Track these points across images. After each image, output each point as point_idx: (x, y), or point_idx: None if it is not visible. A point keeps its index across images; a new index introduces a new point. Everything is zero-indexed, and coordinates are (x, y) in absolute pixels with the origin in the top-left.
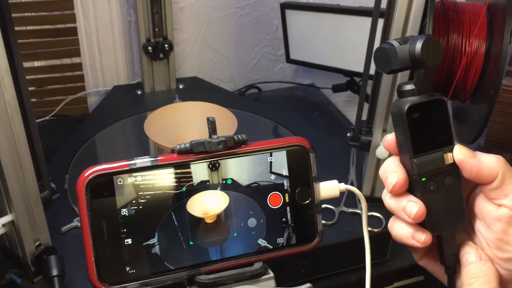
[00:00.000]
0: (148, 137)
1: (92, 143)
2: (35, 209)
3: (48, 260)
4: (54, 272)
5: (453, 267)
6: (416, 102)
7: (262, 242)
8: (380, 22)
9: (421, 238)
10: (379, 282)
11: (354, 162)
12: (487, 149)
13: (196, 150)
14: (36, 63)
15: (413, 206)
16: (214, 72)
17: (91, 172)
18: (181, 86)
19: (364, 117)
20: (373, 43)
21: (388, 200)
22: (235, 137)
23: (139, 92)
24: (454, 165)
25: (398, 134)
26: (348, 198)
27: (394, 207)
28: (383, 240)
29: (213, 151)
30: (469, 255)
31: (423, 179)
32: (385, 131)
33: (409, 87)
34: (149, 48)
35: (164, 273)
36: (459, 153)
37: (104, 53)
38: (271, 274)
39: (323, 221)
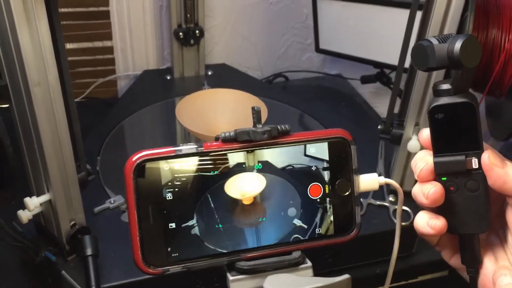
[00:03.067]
0: (176, 122)
1: (122, 127)
2: (72, 189)
3: (83, 240)
4: (89, 251)
5: (475, 270)
6: (442, 103)
7: (300, 226)
8: (418, 15)
9: (433, 223)
10: (404, 275)
11: (383, 154)
12: None
13: (241, 139)
14: (69, 45)
15: (430, 187)
16: (242, 59)
17: (138, 156)
18: (209, 73)
19: (395, 110)
20: (410, 36)
21: (415, 187)
22: (279, 127)
23: (168, 77)
24: (479, 171)
25: (430, 132)
26: (376, 191)
27: (416, 191)
28: (410, 234)
29: (257, 140)
30: (504, 277)
31: (443, 178)
32: (417, 125)
33: (445, 86)
34: (180, 33)
35: (205, 257)
36: (488, 160)
37: (135, 38)
38: (309, 263)
39: None
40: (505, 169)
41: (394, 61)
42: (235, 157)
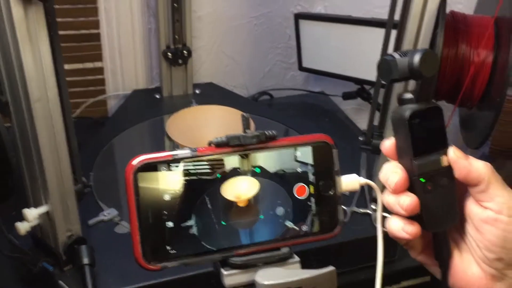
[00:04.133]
0: (165, 139)
1: (113, 144)
2: (69, 200)
3: (80, 250)
4: (85, 261)
5: (447, 263)
6: (417, 109)
7: (288, 224)
8: (393, 33)
9: (409, 229)
10: (387, 280)
11: (365, 165)
12: (491, 158)
13: (232, 143)
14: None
15: (406, 199)
16: (228, 78)
17: (139, 160)
18: (197, 91)
19: (374, 122)
20: (386, 53)
21: (387, 197)
22: (266, 133)
23: (157, 96)
24: (449, 167)
25: (399, 138)
26: (359, 199)
27: (392, 203)
28: (392, 240)
29: (247, 144)
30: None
31: (421, 180)
32: None
33: (409, 96)
34: (169, 54)
35: (201, 253)
36: (453, 154)
37: (125, 58)
38: (297, 258)
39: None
40: (468, 161)
41: (373, 77)
42: (231, 162)
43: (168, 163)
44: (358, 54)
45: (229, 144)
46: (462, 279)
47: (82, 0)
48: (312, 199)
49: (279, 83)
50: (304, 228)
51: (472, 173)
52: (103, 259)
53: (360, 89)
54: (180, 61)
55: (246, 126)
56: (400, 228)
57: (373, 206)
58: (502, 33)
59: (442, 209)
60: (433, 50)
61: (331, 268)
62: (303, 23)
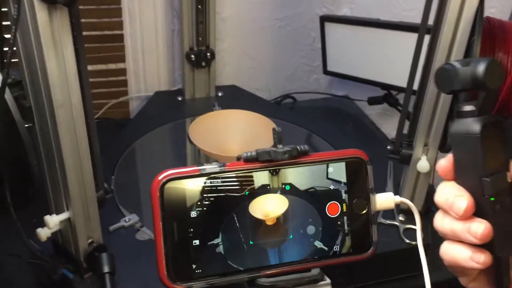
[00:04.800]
0: (187, 143)
1: (135, 148)
2: (90, 207)
3: (100, 257)
4: (106, 269)
5: None
6: (488, 122)
7: (318, 244)
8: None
9: (480, 259)
10: None
11: (392, 174)
12: None
13: (262, 159)
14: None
15: (479, 226)
16: (251, 81)
17: (164, 175)
18: (220, 94)
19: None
20: (418, 59)
21: (449, 223)
22: (298, 148)
23: (179, 98)
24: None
25: (464, 155)
26: (386, 211)
27: (459, 230)
28: (419, 253)
29: (278, 160)
30: None
31: (491, 199)
32: (426, 146)
33: (470, 108)
34: (192, 56)
35: (227, 274)
36: None
37: (148, 60)
38: (328, 280)
39: None
40: None
41: (401, 83)
42: (260, 179)
43: (196, 177)
44: (385, 59)
45: (258, 159)
46: None
47: (106, 0)
48: (345, 218)
49: (303, 86)
50: (336, 248)
51: None
52: (124, 266)
53: (387, 95)
54: (203, 64)
55: (278, 140)
56: (468, 257)
57: (401, 218)
58: None
59: (509, 230)
60: (497, 60)
61: None
62: (329, 26)
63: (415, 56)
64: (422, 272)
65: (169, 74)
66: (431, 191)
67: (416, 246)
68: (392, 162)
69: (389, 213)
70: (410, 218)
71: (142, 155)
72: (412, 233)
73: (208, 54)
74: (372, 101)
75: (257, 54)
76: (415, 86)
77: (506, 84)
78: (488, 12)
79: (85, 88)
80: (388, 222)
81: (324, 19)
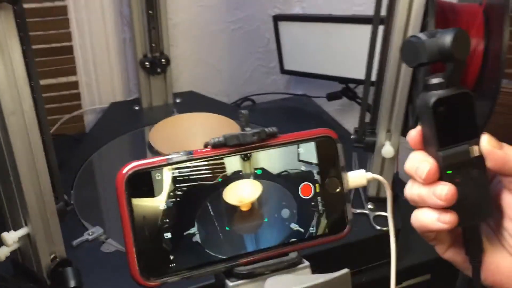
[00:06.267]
0: (146, 151)
1: (93, 160)
2: (51, 220)
3: (65, 272)
4: (72, 283)
5: (479, 258)
6: (443, 96)
7: (294, 226)
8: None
9: (446, 218)
10: (388, 281)
11: (357, 165)
12: None
13: (230, 143)
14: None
15: (443, 188)
16: (209, 86)
17: (129, 168)
18: (178, 101)
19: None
20: (374, 50)
21: (417, 189)
22: (266, 130)
23: (136, 108)
24: (480, 158)
25: (425, 127)
26: (355, 199)
27: (425, 194)
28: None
29: (247, 143)
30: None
31: (448, 172)
32: (389, 131)
33: (437, 80)
34: (146, 63)
35: (204, 265)
36: (488, 144)
37: (100, 71)
38: (307, 263)
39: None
40: (503, 150)
41: (358, 75)
42: (231, 165)
43: (163, 167)
44: (341, 53)
45: (227, 144)
46: (495, 273)
47: (52, 12)
48: (319, 199)
49: (261, 88)
50: (312, 230)
51: (508, 163)
52: (91, 281)
53: (345, 88)
54: (158, 70)
55: (245, 123)
56: (435, 219)
57: (370, 206)
58: (491, 20)
59: (474, 203)
60: (464, 30)
61: (345, 270)
62: (283, 25)
63: (371, 46)
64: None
65: (123, 84)
66: (396, 178)
67: (387, 232)
68: (357, 154)
69: (358, 202)
70: (378, 206)
71: (101, 167)
72: (382, 220)
73: (163, 60)
74: (331, 96)
75: (213, 59)
76: (373, 78)
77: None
78: None
79: (37, 96)
80: (358, 211)
81: (278, 19)
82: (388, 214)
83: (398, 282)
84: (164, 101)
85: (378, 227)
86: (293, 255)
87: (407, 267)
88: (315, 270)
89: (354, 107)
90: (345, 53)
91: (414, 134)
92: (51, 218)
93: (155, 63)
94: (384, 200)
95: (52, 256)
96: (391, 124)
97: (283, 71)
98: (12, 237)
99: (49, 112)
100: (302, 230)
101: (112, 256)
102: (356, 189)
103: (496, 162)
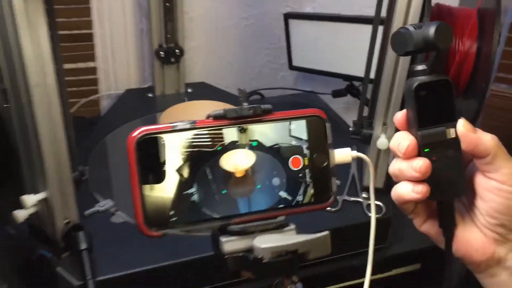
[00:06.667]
0: None
1: (107, 140)
2: (67, 187)
3: (77, 236)
4: (83, 245)
5: (451, 231)
6: (424, 81)
7: (283, 194)
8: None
9: (419, 189)
10: (379, 267)
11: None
12: None
13: (229, 116)
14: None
15: (419, 162)
16: (220, 78)
17: (139, 131)
18: (189, 90)
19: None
20: (373, 49)
21: (398, 164)
22: (262, 106)
23: (150, 95)
24: (456, 140)
25: (408, 109)
26: (351, 188)
27: (404, 167)
28: (383, 226)
29: (244, 116)
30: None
31: (426, 150)
32: (385, 124)
33: (421, 67)
34: (161, 53)
35: (201, 221)
36: (463, 127)
37: (117, 58)
38: (293, 225)
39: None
40: (477, 134)
41: (362, 73)
42: (229, 136)
43: (168, 133)
44: (346, 51)
45: (226, 116)
46: (465, 245)
47: (75, 0)
48: (307, 171)
49: (270, 83)
50: (299, 198)
51: (480, 146)
52: (100, 248)
53: (349, 86)
54: (172, 60)
55: (243, 99)
56: (410, 190)
57: (364, 195)
58: (485, 24)
59: (448, 180)
60: (446, 23)
61: (325, 232)
62: (293, 23)
63: (371, 46)
64: (386, 245)
65: (139, 73)
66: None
67: (379, 219)
68: (356, 147)
69: (353, 191)
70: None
71: (113, 147)
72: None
73: (177, 51)
74: (336, 93)
75: (225, 53)
76: (372, 75)
77: (455, 61)
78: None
79: (59, 71)
80: (352, 199)
81: (288, 16)
82: (370, 187)
83: (387, 268)
84: (176, 90)
85: (370, 214)
86: (281, 218)
87: (396, 254)
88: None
89: (358, 105)
90: (350, 51)
91: (400, 116)
92: (67, 185)
93: (169, 53)
94: (377, 191)
95: (66, 220)
96: (387, 118)
97: (291, 67)
98: (31, 200)
99: (67, 95)
100: (290, 198)
101: (120, 226)
102: (352, 179)
103: (469, 143)
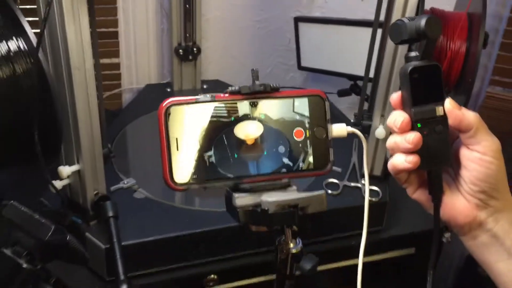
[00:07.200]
0: None
1: (129, 128)
2: (97, 161)
3: (105, 205)
4: (110, 213)
5: (439, 197)
6: (417, 65)
7: (286, 160)
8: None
9: (410, 158)
10: (375, 249)
11: (356, 148)
12: None
13: (243, 92)
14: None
15: (411, 134)
16: (233, 77)
17: (168, 102)
18: (205, 86)
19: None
20: (373, 50)
21: (393, 138)
22: (271, 84)
23: (168, 90)
24: (444, 117)
25: (403, 90)
26: (351, 175)
27: (399, 140)
28: (380, 210)
29: (256, 91)
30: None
31: (418, 125)
32: (383, 116)
33: (414, 54)
34: (180, 50)
35: (217, 179)
36: (449, 105)
37: (139, 56)
38: (294, 186)
39: (329, 191)
40: (461, 111)
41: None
42: (242, 109)
43: (192, 104)
44: (351, 53)
45: (241, 92)
46: (451, 210)
47: (103, 0)
48: (308, 142)
49: (280, 83)
50: (301, 164)
51: (464, 121)
52: (124, 219)
53: (353, 85)
54: (190, 57)
55: (255, 77)
56: (403, 160)
57: (362, 181)
58: (474, 26)
59: (437, 151)
60: (436, 16)
61: (321, 191)
62: (302, 26)
63: (370, 47)
64: (383, 228)
65: (159, 69)
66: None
67: (376, 203)
68: (357, 139)
69: (354, 177)
70: (371, 182)
71: (134, 134)
72: (373, 193)
73: (195, 49)
74: (341, 93)
75: (238, 53)
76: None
77: (447, 58)
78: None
79: (96, 57)
80: (352, 184)
81: (298, 20)
82: (364, 161)
83: (383, 250)
84: (193, 86)
85: (369, 198)
86: (285, 180)
87: (392, 236)
88: (304, 230)
89: None
90: (354, 52)
91: (395, 96)
92: (98, 159)
93: (187, 51)
94: (375, 178)
95: (95, 191)
96: (385, 110)
97: (300, 67)
98: (66, 170)
99: None
100: (292, 164)
101: (142, 201)
102: (353, 167)
103: (455, 119)
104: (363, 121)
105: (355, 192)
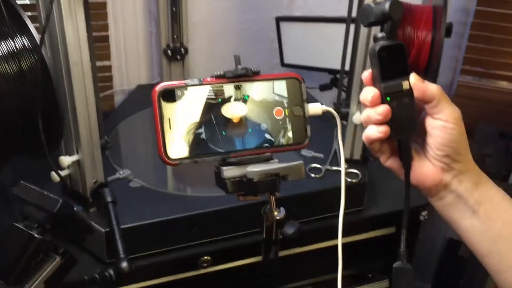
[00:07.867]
0: None
1: (122, 125)
2: (95, 151)
3: (104, 191)
4: (109, 199)
5: (409, 163)
6: (385, 45)
7: (268, 136)
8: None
9: (381, 129)
10: (356, 228)
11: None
12: None
13: (227, 75)
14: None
15: (381, 107)
16: None
17: (160, 86)
18: None
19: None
20: (347, 44)
21: (366, 112)
22: (252, 68)
23: None
24: (410, 90)
25: (373, 68)
26: (333, 160)
27: (370, 113)
28: (360, 190)
29: (238, 75)
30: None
31: (388, 98)
32: (359, 103)
33: (381, 35)
34: (169, 51)
35: (207, 153)
36: (414, 79)
37: (129, 58)
38: (276, 160)
39: (312, 175)
40: (424, 84)
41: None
42: (228, 91)
43: (182, 88)
44: (329, 48)
45: (225, 76)
46: (420, 174)
47: (94, 6)
48: (287, 119)
49: None
50: (281, 140)
51: (427, 92)
52: (121, 205)
53: (334, 79)
54: (178, 57)
55: (238, 62)
56: (375, 130)
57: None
58: (438, 17)
59: (404, 122)
60: (399, 1)
61: (300, 161)
62: (283, 25)
63: (345, 41)
64: (363, 208)
65: (149, 70)
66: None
67: (356, 184)
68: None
69: (335, 162)
70: (350, 165)
71: (127, 131)
72: (353, 175)
73: (182, 49)
74: (323, 87)
75: (224, 54)
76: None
77: (415, 46)
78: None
79: (91, 54)
80: (334, 168)
81: (279, 20)
82: (339, 136)
83: (364, 230)
84: None
85: (349, 180)
86: (267, 154)
87: (372, 216)
88: (290, 211)
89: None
90: (333, 48)
91: (366, 74)
92: (96, 149)
93: (175, 51)
94: (355, 161)
95: (94, 180)
96: None
97: (283, 64)
98: (67, 160)
99: None
100: (273, 139)
101: (138, 190)
102: (334, 153)
103: (419, 91)
104: (342, 109)
105: (336, 175)
